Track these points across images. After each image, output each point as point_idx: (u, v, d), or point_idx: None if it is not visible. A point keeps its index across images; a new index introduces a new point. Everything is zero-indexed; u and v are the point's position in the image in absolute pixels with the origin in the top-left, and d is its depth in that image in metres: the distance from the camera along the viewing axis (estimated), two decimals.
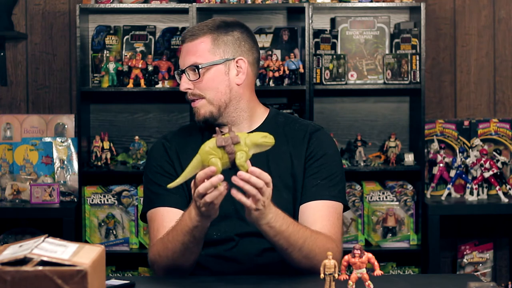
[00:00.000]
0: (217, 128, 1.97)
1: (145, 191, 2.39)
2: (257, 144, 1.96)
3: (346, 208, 2.36)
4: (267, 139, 1.97)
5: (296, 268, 2.21)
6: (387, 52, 4.07)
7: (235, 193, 1.97)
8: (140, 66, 3.92)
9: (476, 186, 3.97)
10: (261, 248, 2.26)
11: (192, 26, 2.38)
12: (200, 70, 2.27)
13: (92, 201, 3.95)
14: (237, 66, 2.31)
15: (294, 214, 2.28)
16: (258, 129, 2.34)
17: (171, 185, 2.01)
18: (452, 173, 4.00)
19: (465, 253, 4.10)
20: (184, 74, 2.29)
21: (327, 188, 2.29)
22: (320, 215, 2.25)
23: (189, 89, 2.29)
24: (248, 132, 2.15)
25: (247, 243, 2.27)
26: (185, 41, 2.31)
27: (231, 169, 1.97)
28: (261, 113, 2.38)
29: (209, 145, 1.94)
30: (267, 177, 1.97)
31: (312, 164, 2.31)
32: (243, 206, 2.09)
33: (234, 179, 1.96)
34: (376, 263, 1.84)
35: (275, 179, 2.05)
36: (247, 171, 1.94)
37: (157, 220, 2.30)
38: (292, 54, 3.93)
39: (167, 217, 2.28)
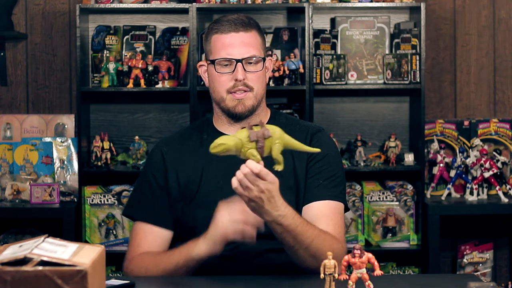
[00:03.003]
0: (248, 123, 2.02)
1: (137, 191, 2.44)
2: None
3: (345, 209, 2.37)
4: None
5: (301, 267, 2.20)
6: (387, 52, 4.07)
7: (234, 180, 2.00)
8: (140, 66, 3.92)
9: (476, 186, 3.97)
10: (262, 249, 2.27)
11: (230, 16, 2.34)
12: (258, 62, 2.31)
13: (92, 201, 3.95)
14: (266, 65, 2.38)
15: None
16: None
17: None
18: (452, 173, 4.00)
19: (465, 253, 4.10)
20: (240, 63, 2.29)
21: (329, 189, 2.30)
22: (323, 215, 2.26)
23: (243, 79, 2.29)
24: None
25: (246, 246, 2.26)
26: (238, 31, 2.30)
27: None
28: (266, 113, 2.43)
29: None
30: (272, 178, 2.00)
31: (314, 165, 2.32)
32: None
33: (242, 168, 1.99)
34: (376, 263, 1.84)
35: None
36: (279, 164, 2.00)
37: (139, 234, 2.36)
38: (292, 54, 3.93)
39: (150, 236, 2.35)
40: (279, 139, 1.99)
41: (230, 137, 1.97)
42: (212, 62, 2.31)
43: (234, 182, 2.00)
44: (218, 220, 2.14)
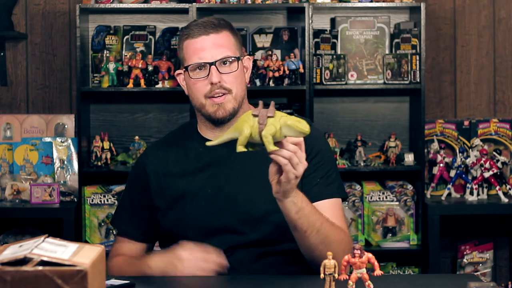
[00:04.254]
0: (260, 101, 1.95)
1: (121, 203, 2.45)
2: (288, 126, 1.90)
3: (345, 199, 2.38)
4: (300, 124, 1.90)
5: (309, 261, 2.19)
6: (387, 52, 4.07)
7: (281, 159, 1.94)
8: (140, 66, 3.92)
9: (476, 186, 3.97)
10: (256, 254, 2.25)
11: (200, 20, 2.29)
12: (233, 63, 2.26)
13: (92, 201, 3.95)
14: (244, 64, 2.33)
15: None
16: None
17: (210, 143, 2.04)
18: (452, 173, 4.00)
19: (465, 253, 4.10)
20: (213, 66, 2.23)
21: (326, 187, 2.29)
22: (327, 215, 2.25)
23: (219, 82, 2.24)
24: None
25: (242, 253, 2.26)
26: (208, 33, 2.24)
27: (257, 144, 1.93)
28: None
29: (247, 113, 1.93)
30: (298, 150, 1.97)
31: (309, 162, 2.28)
32: (235, 218, 2.17)
33: (274, 153, 1.94)
34: (376, 263, 1.84)
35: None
36: (268, 145, 1.90)
37: (121, 246, 2.40)
38: (292, 54, 3.93)
39: (128, 248, 2.38)
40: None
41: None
42: (186, 68, 2.27)
43: (283, 159, 1.93)
44: (181, 255, 2.15)
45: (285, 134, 1.92)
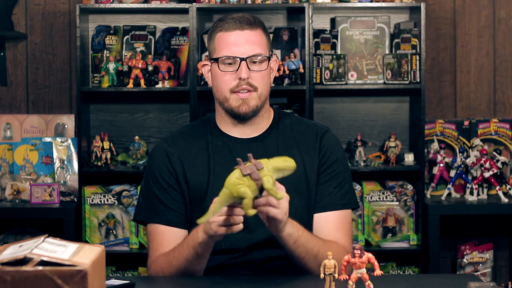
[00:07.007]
0: (238, 159, 1.96)
1: (145, 198, 2.34)
2: (279, 169, 1.98)
3: (356, 206, 2.39)
4: (288, 163, 1.99)
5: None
6: (387, 52, 4.07)
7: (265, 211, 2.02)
8: (140, 66, 3.92)
9: (476, 186, 3.97)
10: (267, 257, 2.25)
11: (236, 15, 2.31)
12: (263, 62, 2.26)
13: (92, 201, 3.95)
14: (271, 65, 2.33)
15: (308, 220, 2.27)
16: (268, 129, 2.34)
17: (200, 220, 2.00)
18: (452, 173, 4.00)
19: (465, 253, 4.10)
20: (244, 61, 2.23)
21: (339, 197, 2.30)
22: (334, 227, 2.27)
23: (248, 78, 2.23)
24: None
25: (254, 253, 2.26)
26: (243, 29, 2.26)
27: (257, 197, 1.98)
28: (270, 114, 2.37)
29: (235, 175, 1.94)
30: (284, 194, 2.02)
31: (325, 170, 2.31)
32: (253, 218, 2.12)
33: (260, 203, 1.99)
34: (376, 263, 1.84)
35: (287, 185, 2.05)
36: (277, 195, 1.96)
37: (157, 238, 2.29)
38: (292, 54, 3.93)
39: (167, 236, 2.27)
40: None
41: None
42: (216, 60, 2.26)
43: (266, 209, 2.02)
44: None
45: (276, 178, 1.99)
